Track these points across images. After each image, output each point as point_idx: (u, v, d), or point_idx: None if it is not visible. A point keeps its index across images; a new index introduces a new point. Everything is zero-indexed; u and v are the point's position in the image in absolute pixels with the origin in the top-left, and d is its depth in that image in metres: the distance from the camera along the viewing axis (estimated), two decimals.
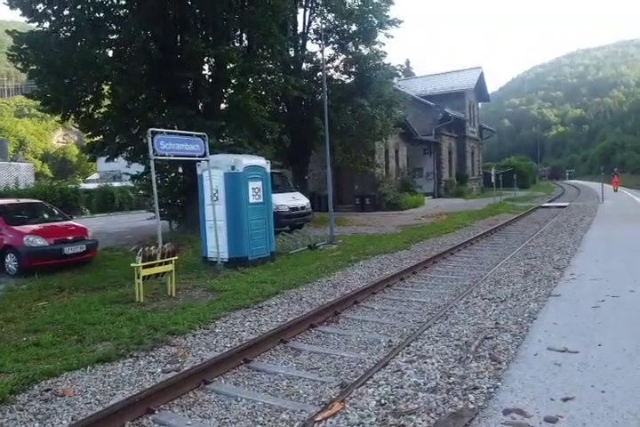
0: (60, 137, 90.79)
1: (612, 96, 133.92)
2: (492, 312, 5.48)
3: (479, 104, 43.95)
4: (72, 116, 13.79)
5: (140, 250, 6.87)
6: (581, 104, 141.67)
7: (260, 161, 9.88)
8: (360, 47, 19.71)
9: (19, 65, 12.85)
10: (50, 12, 12.36)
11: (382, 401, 3.39)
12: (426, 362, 4.06)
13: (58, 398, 3.82)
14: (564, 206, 22.41)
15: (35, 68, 12.78)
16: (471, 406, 3.19)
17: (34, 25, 12.81)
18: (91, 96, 13.47)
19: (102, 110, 14.05)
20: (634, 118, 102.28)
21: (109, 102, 14.07)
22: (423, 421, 3.06)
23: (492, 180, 28.15)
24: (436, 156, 32.48)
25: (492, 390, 3.38)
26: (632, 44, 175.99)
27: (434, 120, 31.87)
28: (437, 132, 32.05)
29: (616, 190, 32.44)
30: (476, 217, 18.46)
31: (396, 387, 3.62)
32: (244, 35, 15.04)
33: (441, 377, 3.72)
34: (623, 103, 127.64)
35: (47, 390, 3.95)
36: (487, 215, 19.22)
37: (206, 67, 14.24)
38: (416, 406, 3.28)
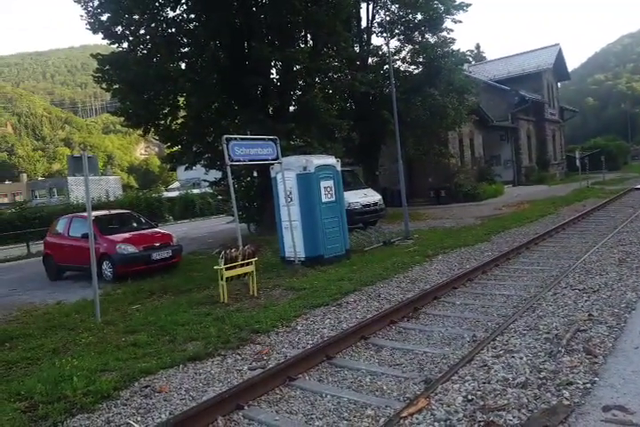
0: (143, 149, 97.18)
1: None
2: (584, 303, 5.15)
3: (558, 84, 41.35)
4: (152, 129, 14.68)
5: (222, 253, 7.17)
6: None
7: (330, 160, 9.95)
8: (427, 36, 19.27)
9: (103, 85, 13.89)
10: (127, 32, 13.30)
11: (469, 397, 3.31)
12: (514, 356, 3.91)
13: (156, 394, 4.09)
14: None
15: (117, 86, 13.75)
16: (566, 403, 3.03)
17: (114, 46, 13.79)
18: (168, 109, 14.27)
19: (179, 121, 14.83)
20: None
21: (185, 113, 14.82)
22: (514, 417, 2.95)
23: (577, 163, 26.39)
24: (514, 142, 30.97)
25: (588, 385, 3.19)
26: None
27: (509, 104, 30.40)
28: (514, 116, 30.54)
29: None
30: (561, 204, 17.40)
31: (483, 382, 3.52)
32: (308, 35, 15.20)
33: (531, 372, 3.57)
34: None
35: (146, 387, 4.24)
36: (573, 201, 18.05)
37: (274, 70, 14.58)
38: (505, 401, 3.17)
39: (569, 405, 2.98)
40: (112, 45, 13.84)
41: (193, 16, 13.73)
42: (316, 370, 4.36)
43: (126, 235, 10.52)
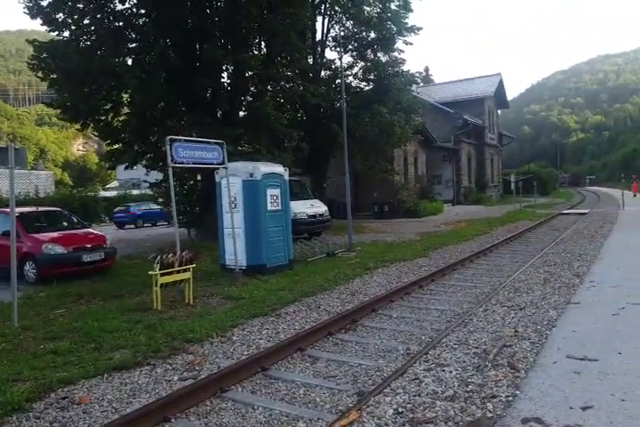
0: (81, 145, 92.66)
1: (632, 102, 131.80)
2: (512, 320, 5.41)
3: (498, 111, 43.61)
4: (91, 125, 14.03)
5: (158, 258, 6.94)
6: (601, 110, 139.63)
7: (278, 168, 9.93)
8: (379, 54, 19.79)
9: (39, 74, 13.14)
10: (70, 21, 12.63)
11: (400, 409, 3.37)
12: (444, 370, 4.02)
13: (74, 406, 3.85)
14: (585, 213, 22.03)
15: (54, 76, 13.04)
16: (489, 415, 3.15)
17: (54, 34, 13.10)
18: (110, 104, 13.69)
19: (121, 118, 14.28)
20: None
21: (128, 110, 14.30)
22: None
23: (512, 186, 27.86)
24: (455, 163, 32.30)
25: (510, 398, 3.33)
26: None
27: (453, 127, 31.74)
28: (456, 139, 31.88)
29: (634, 195, 32.63)
30: (496, 224, 18.25)
31: (414, 395, 3.59)
32: (262, 42, 15.20)
33: (459, 385, 3.68)
34: None
35: (64, 398, 3.98)
36: (506, 222, 18.98)
37: (225, 74, 14.43)
38: (434, 414, 3.25)
39: (492, 417, 3.10)
40: (52, 33, 13.12)
41: (143, 11, 13.28)
42: (249, 381, 4.29)
43: (54, 234, 9.94)
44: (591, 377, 3.55)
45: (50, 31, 13.10)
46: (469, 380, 3.76)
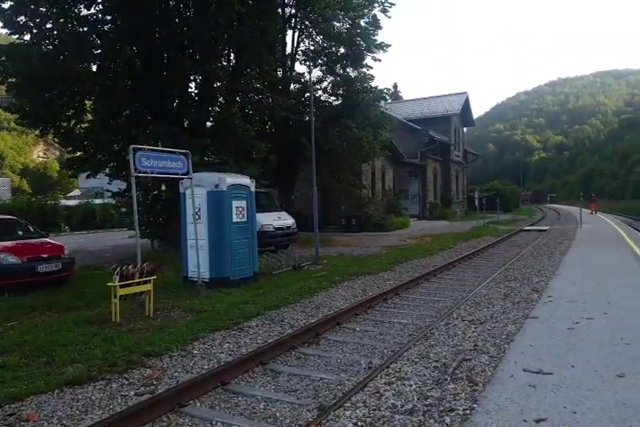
0: (41, 152, 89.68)
1: (590, 124, 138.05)
2: (472, 334, 5.49)
3: (464, 129, 44.82)
4: (52, 131, 13.64)
5: (118, 269, 6.76)
6: (562, 131, 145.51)
7: (244, 180, 9.88)
8: (348, 70, 20.08)
9: None
10: (31, 24, 12.23)
11: (359, 424, 3.35)
12: (404, 384, 4.04)
13: (22, 424, 3.67)
14: (545, 230, 22.74)
15: (13, 80, 12.66)
16: None
17: (14, 37, 12.74)
18: (72, 111, 13.33)
19: (84, 126, 13.93)
20: (611, 146, 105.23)
21: (92, 118, 13.99)
22: None
23: (476, 203, 28.52)
24: (422, 178, 32.91)
25: (467, 411, 3.37)
26: (610, 75, 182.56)
27: (420, 143, 32.39)
28: (423, 155, 32.53)
29: (592, 213, 34.34)
30: (460, 239, 18.60)
31: (374, 409, 3.58)
32: (231, 54, 15.21)
33: (418, 399, 3.70)
34: (601, 131, 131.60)
35: (10, 415, 3.78)
36: (470, 238, 19.38)
37: (192, 84, 14.33)
38: None
39: None
40: (12, 36, 12.77)
41: (109, 18, 13.05)
42: (208, 396, 4.19)
43: (7, 243, 9.54)
44: (546, 390, 3.63)
45: (10, 34, 12.73)
46: (429, 393, 3.78)
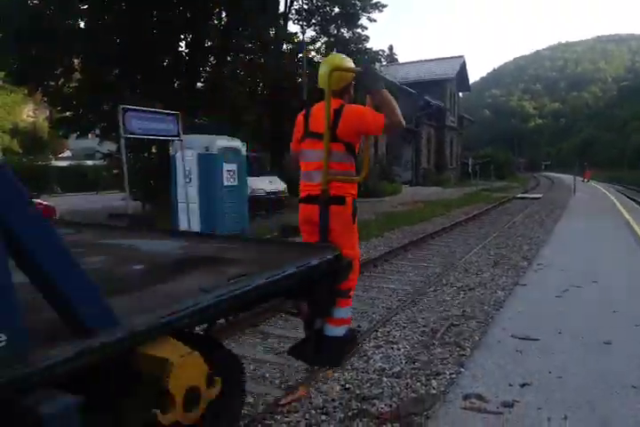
0: (31, 111, 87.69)
1: (589, 91, 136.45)
2: (460, 300, 5.55)
3: (460, 94, 44.13)
4: (40, 90, 13.31)
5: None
6: (560, 97, 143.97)
7: (235, 143, 9.72)
8: (342, 30, 19.48)
9: None
10: None
11: (347, 386, 3.41)
12: (392, 348, 4.09)
13: None
14: (538, 198, 22.82)
15: None
16: (433, 392, 3.23)
17: None
18: (60, 69, 12.97)
19: (72, 85, 13.57)
20: (608, 114, 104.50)
21: (80, 77, 13.60)
22: (385, 405, 3.09)
23: (470, 170, 28.50)
24: (415, 144, 32.63)
25: (454, 375, 3.42)
26: (611, 40, 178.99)
27: (414, 108, 31.91)
28: (417, 120, 32.12)
29: (584, 181, 34.55)
30: (452, 206, 18.64)
31: (362, 372, 3.63)
32: (223, 13, 14.67)
33: (406, 363, 3.75)
34: (600, 99, 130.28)
35: None
36: (463, 205, 19.42)
37: (183, 44, 13.87)
38: (380, 391, 3.30)
39: (435, 394, 3.18)
40: None
41: None
42: None
43: None
44: (532, 356, 3.69)
45: None
46: (416, 357, 3.83)
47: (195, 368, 1.56)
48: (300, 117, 3.47)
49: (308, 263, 2.18)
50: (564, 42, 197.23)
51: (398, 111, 3.21)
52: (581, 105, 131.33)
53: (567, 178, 42.38)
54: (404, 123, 3.26)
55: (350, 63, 3.36)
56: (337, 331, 3.09)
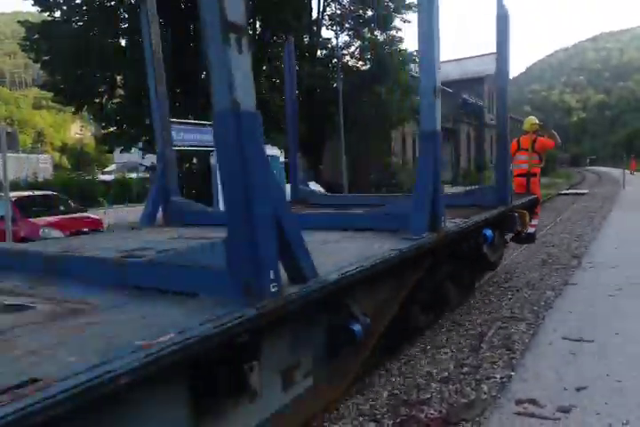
0: (78, 129, 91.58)
1: (635, 80, 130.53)
2: (508, 301, 5.40)
3: None
4: (86, 107, 13.91)
5: None
6: (604, 89, 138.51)
7: (273, 151, 9.82)
8: (376, 33, 19.44)
9: (31, 55, 12.98)
10: (61, 1, 12.41)
11: (394, 392, 3.36)
12: (439, 352, 4.02)
13: None
14: (584, 193, 21.96)
15: (47, 58, 12.86)
16: (484, 397, 3.15)
17: (46, 14, 12.88)
18: (104, 87, 13.54)
19: (116, 101, 14.14)
20: None
21: (122, 93, 14.14)
22: (435, 411, 3.03)
23: (511, 167, 27.74)
24: (454, 143, 32.14)
25: (505, 379, 3.32)
26: None
27: (452, 107, 31.45)
28: (455, 119, 31.63)
29: (632, 173, 33.71)
30: None
31: (408, 377, 3.58)
32: (257, 22, 14.93)
33: (454, 367, 3.67)
34: None
35: None
36: None
37: None
38: (428, 395, 3.25)
39: (486, 399, 3.10)
40: (44, 13, 12.91)
41: None
42: None
43: (51, 218, 9.92)
44: (586, 358, 3.54)
45: (41, 12, 12.87)
46: (465, 361, 3.75)
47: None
48: (515, 141, 8.04)
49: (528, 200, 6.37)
50: (607, 31, 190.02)
51: (558, 138, 8.36)
52: (628, 95, 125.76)
53: (615, 172, 40.61)
54: (559, 143, 8.27)
55: (536, 120, 8.34)
56: (531, 230, 7.16)
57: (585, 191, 23.22)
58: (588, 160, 78.14)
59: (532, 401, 2.94)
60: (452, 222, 3.97)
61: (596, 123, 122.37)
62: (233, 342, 1.73)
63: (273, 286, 1.91)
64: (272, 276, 1.91)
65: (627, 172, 27.92)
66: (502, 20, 5.51)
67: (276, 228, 2.00)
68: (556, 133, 8.41)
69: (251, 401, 1.90)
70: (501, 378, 3.35)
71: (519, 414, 2.82)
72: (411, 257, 3.17)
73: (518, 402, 2.95)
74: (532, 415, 2.79)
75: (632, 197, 17.99)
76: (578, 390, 3.05)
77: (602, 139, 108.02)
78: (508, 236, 6.20)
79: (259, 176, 1.93)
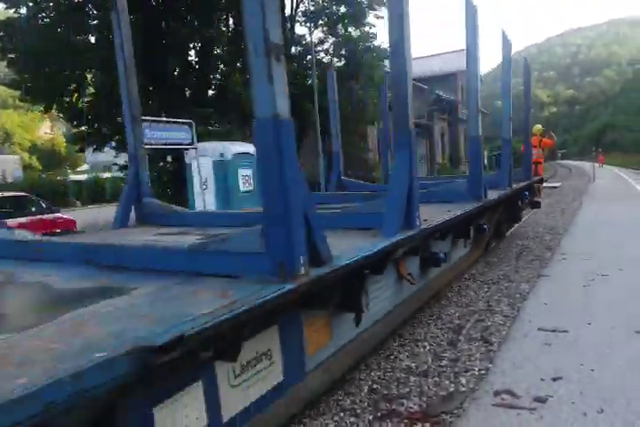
0: (48, 128, 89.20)
1: (603, 75, 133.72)
2: (485, 294, 5.47)
3: None
4: (55, 106, 13.55)
5: None
6: (573, 84, 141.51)
7: (249, 148, 9.75)
8: (350, 29, 19.44)
9: None
10: None
11: (373, 386, 3.38)
12: (417, 345, 4.05)
13: None
14: (557, 187, 22.43)
15: (12, 56, 12.48)
16: (462, 389, 3.18)
17: (11, 11, 12.50)
18: (74, 85, 13.20)
19: (87, 99, 13.81)
20: (625, 97, 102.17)
21: (93, 91, 13.83)
22: (414, 404, 3.05)
23: (485, 162, 28.12)
24: (429, 139, 32.41)
25: (483, 372, 3.37)
26: (623, 23, 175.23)
27: (426, 103, 31.70)
28: (429, 115, 31.91)
29: (601, 166, 37.06)
30: None
31: (389, 371, 3.60)
32: (230, 19, 14.77)
33: (432, 360, 3.71)
34: (615, 82, 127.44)
35: None
36: None
37: (192, 53, 14.00)
38: (408, 389, 3.27)
39: (464, 391, 3.14)
40: (8, 10, 12.52)
41: None
42: None
43: (22, 220, 9.67)
44: (561, 348, 3.62)
45: (6, 8, 12.49)
46: (443, 355, 3.79)
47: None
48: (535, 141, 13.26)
49: (539, 179, 10.61)
50: (575, 27, 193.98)
51: (555, 138, 14.71)
52: (596, 90, 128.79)
53: (585, 165, 41.65)
54: (556, 142, 12.27)
55: (541, 127, 14.03)
56: (539, 199, 9.88)
57: (557, 185, 23.71)
58: (559, 154, 79.74)
59: (510, 392, 2.99)
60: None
61: (567, 117, 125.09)
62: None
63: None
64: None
65: (596, 165, 28.65)
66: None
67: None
68: (554, 135, 12.40)
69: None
70: (479, 370, 3.39)
71: (497, 405, 2.86)
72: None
73: (496, 393, 3.00)
74: (510, 406, 2.83)
75: (602, 190, 18.46)
76: (554, 379, 3.11)
77: (572, 133, 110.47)
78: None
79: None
